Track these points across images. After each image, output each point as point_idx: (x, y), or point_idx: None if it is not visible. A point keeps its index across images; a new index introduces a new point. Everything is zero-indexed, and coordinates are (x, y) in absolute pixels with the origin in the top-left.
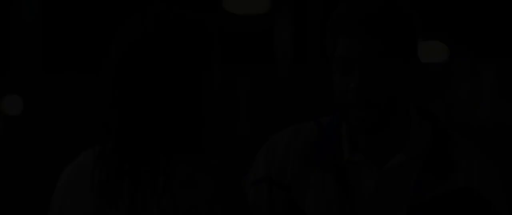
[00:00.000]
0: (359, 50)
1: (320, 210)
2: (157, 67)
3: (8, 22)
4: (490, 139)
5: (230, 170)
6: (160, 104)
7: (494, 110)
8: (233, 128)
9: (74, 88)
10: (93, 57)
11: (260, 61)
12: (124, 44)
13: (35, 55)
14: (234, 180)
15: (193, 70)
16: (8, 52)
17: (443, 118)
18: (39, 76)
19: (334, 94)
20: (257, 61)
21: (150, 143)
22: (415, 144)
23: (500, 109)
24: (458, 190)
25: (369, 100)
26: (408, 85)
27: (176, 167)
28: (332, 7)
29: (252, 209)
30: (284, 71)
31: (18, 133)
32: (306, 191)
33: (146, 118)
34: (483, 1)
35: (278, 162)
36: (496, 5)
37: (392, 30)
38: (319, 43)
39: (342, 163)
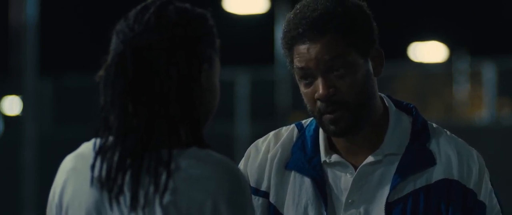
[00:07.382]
0: (313, 56)
1: (298, 213)
2: (158, 61)
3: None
4: (490, 139)
5: (234, 165)
6: (161, 99)
7: (494, 110)
8: (233, 128)
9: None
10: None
11: (260, 61)
12: (124, 37)
13: (34, 56)
14: (238, 174)
15: (194, 64)
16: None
17: (443, 118)
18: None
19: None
20: (257, 61)
21: (152, 138)
22: (391, 142)
23: (500, 108)
24: (438, 181)
25: (338, 102)
26: (374, 79)
27: (179, 163)
28: None
29: None
30: (284, 71)
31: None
32: (284, 194)
33: (146, 113)
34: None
35: (256, 168)
36: (495, 5)
37: (341, 28)
38: None
39: (319, 165)
